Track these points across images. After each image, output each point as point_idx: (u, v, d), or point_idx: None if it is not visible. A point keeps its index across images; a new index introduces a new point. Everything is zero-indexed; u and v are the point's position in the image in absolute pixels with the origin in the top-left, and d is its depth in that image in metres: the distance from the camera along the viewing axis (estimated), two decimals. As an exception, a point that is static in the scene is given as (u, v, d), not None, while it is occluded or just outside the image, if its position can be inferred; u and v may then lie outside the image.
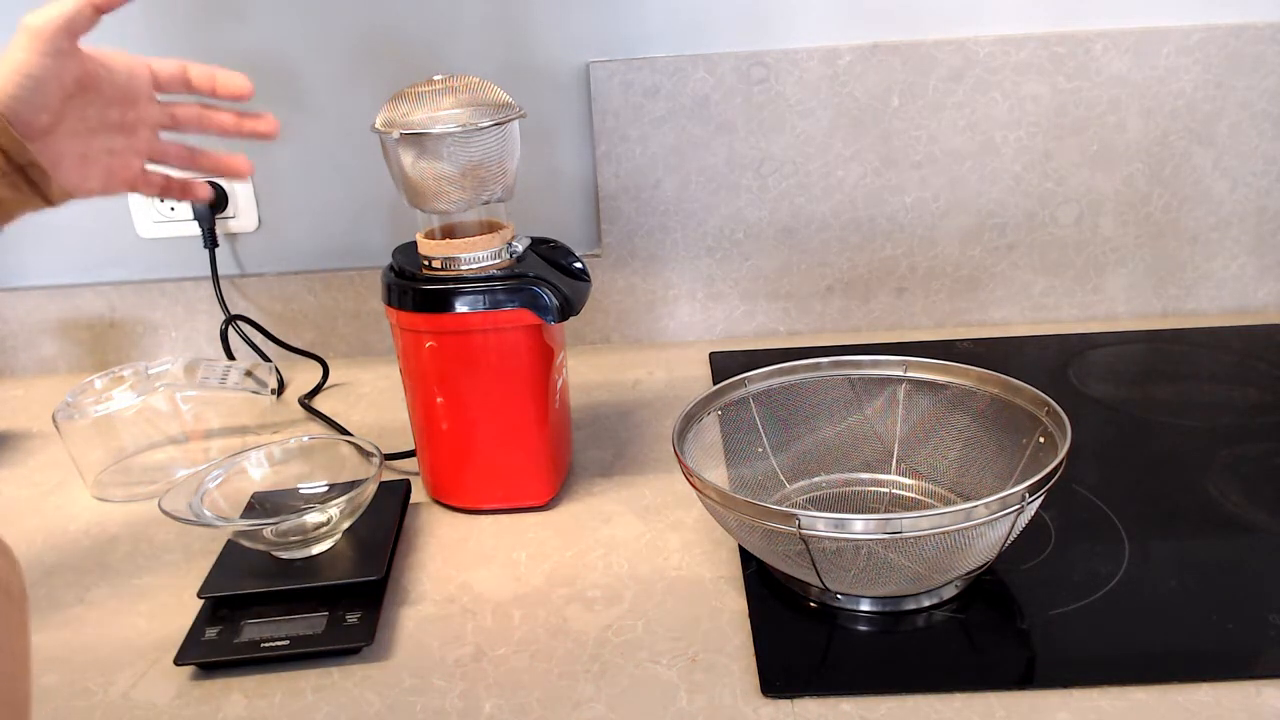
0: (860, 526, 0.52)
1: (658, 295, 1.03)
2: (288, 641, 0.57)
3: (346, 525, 0.65)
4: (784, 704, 0.52)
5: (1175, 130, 0.96)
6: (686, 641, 0.57)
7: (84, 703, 0.56)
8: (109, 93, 0.58)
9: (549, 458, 0.72)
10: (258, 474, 0.71)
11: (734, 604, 0.60)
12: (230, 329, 1.00)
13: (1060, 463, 0.55)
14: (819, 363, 0.70)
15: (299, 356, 1.02)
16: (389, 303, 0.69)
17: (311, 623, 0.58)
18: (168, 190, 0.66)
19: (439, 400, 0.69)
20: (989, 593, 0.59)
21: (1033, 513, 0.56)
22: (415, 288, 0.67)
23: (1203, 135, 0.96)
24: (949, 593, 0.59)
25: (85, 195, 0.59)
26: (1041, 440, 0.61)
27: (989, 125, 0.96)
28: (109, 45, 0.95)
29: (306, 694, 0.55)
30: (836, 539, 0.53)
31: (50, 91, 0.53)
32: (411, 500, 0.74)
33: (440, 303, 0.66)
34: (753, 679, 0.54)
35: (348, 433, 0.87)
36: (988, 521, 0.52)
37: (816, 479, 0.70)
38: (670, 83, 0.95)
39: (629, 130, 0.96)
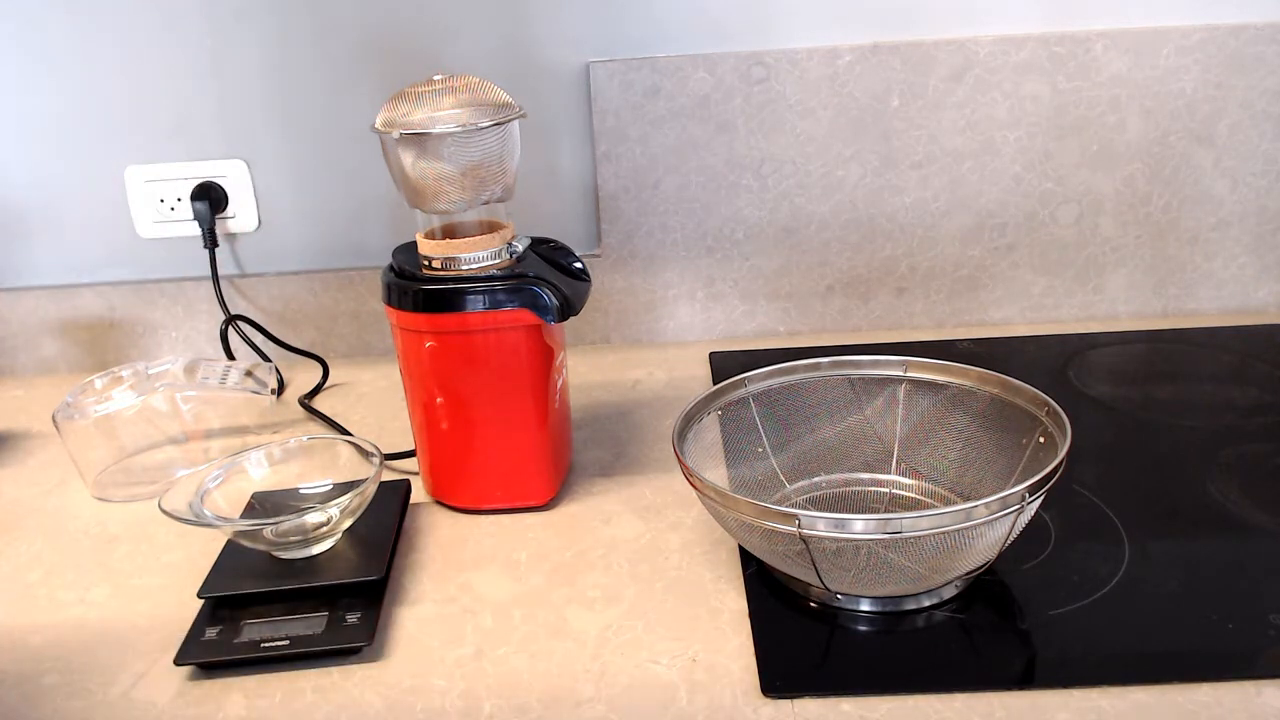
0: (860, 526, 0.52)
1: (657, 295, 1.03)
2: (288, 641, 0.57)
3: (346, 525, 0.65)
4: (784, 704, 0.52)
5: (1175, 130, 0.96)
6: (686, 641, 0.57)
7: (84, 702, 0.56)
8: None
9: (549, 458, 0.72)
10: (258, 474, 0.71)
11: (734, 604, 0.60)
12: (230, 329, 1.00)
13: (1060, 463, 0.55)
14: (819, 363, 0.70)
15: (299, 356, 1.02)
16: (389, 303, 0.69)
17: (311, 623, 0.58)
18: None
19: (439, 400, 0.69)
20: (989, 593, 0.59)
21: (1033, 513, 0.56)
22: (415, 288, 0.67)
23: (1203, 135, 0.96)
24: (949, 593, 0.59)
25: None
26: (1041, 440, 0.61)
27: (989, 125, 0.96)
28: (112, 44, 0.95)
29: (306, 694, 0.55)
30: (837, 539, 0.53)
31: None
32: (411, 500, 0.74)
33: (440, 303, 0.66)
34: (753, 679, 0.54)
35: (348, 433, 0.87)
36: (988, 521, 0.52)
37: (816, 479, 0.70)
38: (670, 83, 0.95)
39: (629, 130, 0.96)
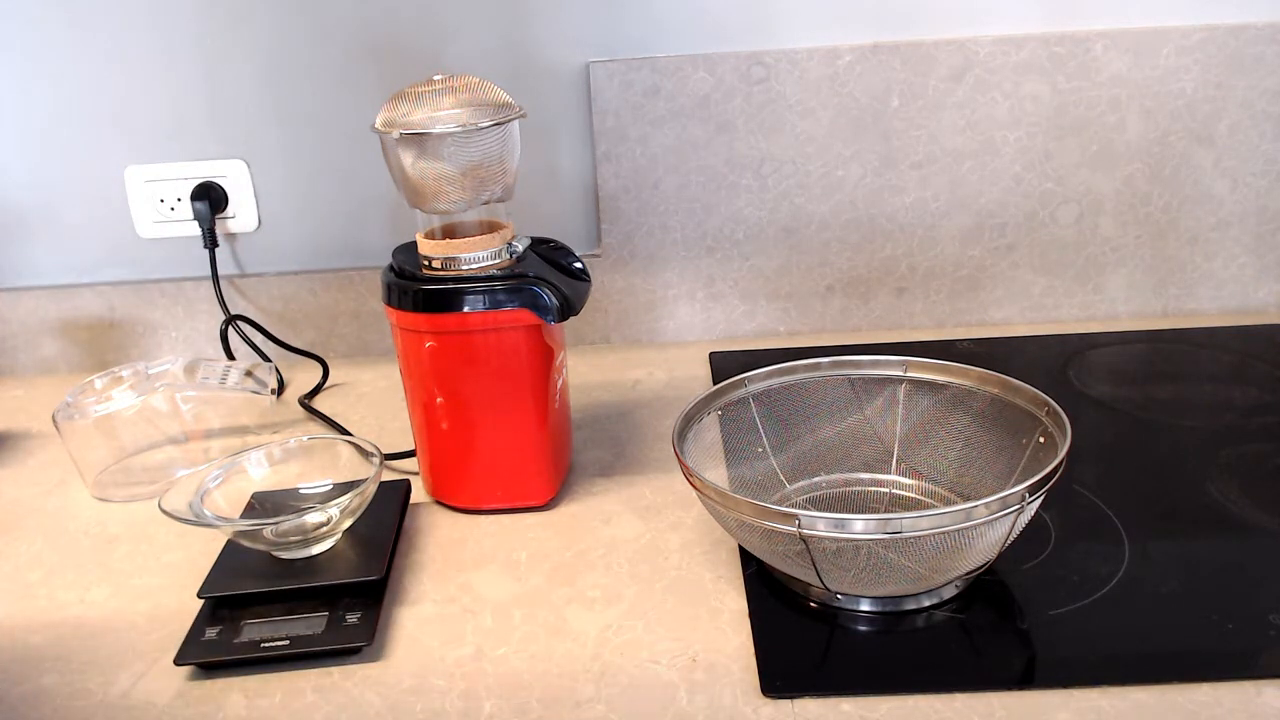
0: (860, 526, 0.52)
1: (657, 295, 1.03)
2: (288, 641, 0.57)
3: (346, 525, 0.65)
4: (784, 704, 0.52)
5: (1175, 130, 0.96)
6: (686, 641, 0.57)
7: (84, 703, 0.56)
8: None
9: (549, 458, 0.72)
10: (258, 474, 0.71)
11: (734, 604, 0.60)
12: (230, 329, 1.00)
13: (1060, 463, 0.55)
14: (819, 363, 0.70)
15: (299, 356, 1.02)
16: (389, 303, 0.69)
17: (311, 623, 0.58)
18: None
19: (439, 400, 0.69)
20: (989, 593, 0.59)
21: (1033, 513, 0.56)
22: (415, 288, 0.67)
23: (1203, 135, 0.96)
24: (949, 593, 0.59)
25: None
26: (1041, 440, 0.61)
27: (989, 125, 0.96)
28: (112, 45, 0.95)
29: (306, 694, 0.55)
30: (836, 539, 0.53)
31: None
32: (411, 500, 0.74)
33: (440, 303, 0.66)
34: (753, 679, 0.54)
35: (348, 433, 0.87)
36: (988, 521, 0.52)
37: (816, 479, 0.70)
38: (670, 83, 0.95)
39: (629, 130, 0.96)
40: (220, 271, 1.01)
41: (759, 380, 0.70)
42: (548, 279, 0.67)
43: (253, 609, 0.60)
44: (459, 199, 0.67)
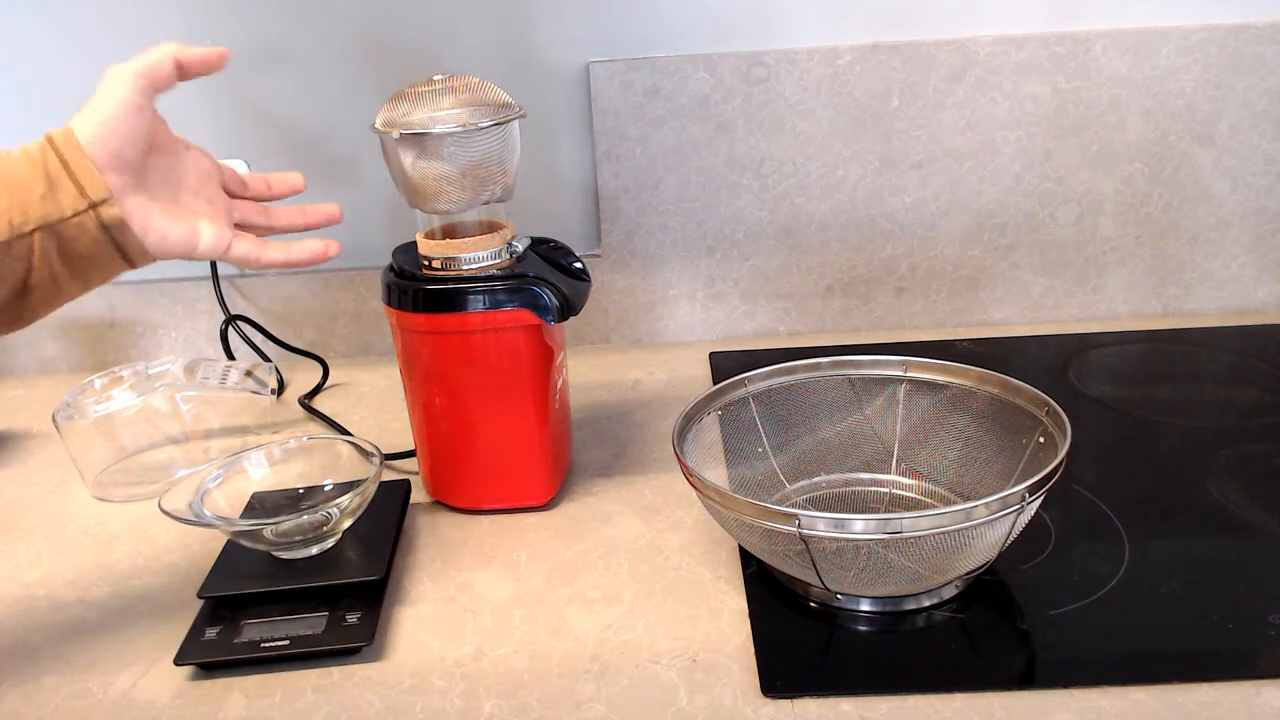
0: (860, 526, 0.52)
1: (657, 295, 1.03)
2: (288, 641, 0.57)
3: (346, 525, 0.65)
4: (784, 704, 0.52)
5: (1175, 130, 0.96)
6: (686, 641, 0.57)
7: (84, 703, 0.56)
8: (190, 167, 0.60)
9: (549, 458, 0.72)
10: (258, 474, 0.71)
11: (734, 604, 0.60)
12: (230, 329, 1.00)
13: (1060, 463, 0.55)
14: (819, 363, 0.70)
15: (299, 356, 1.02)
16: (389, 303, 0.69)
17: (311, 623, 0.58)
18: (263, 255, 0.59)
19: (439, 400, 0.69)
20: (989, 593, 0.59)
21: (1033, 513, 0.56)
22: (415, 288, 0.67)
23: (1203, 135, 0.96)
24: (949, 593, 0.59)
25: (173, 246, 0.55)
26: (1041, 440, 0.61)
27: (989, 125, 0.96)
28: (111, 44, 0.95)
29: (306, 694, 0.55)
30: (836, 539, 0.53)
31: (139, 128, 0.53)
32: (411, 500, 0.74)
33: (440, 303, 0.66)
34: (753, 679, 0.54)
35: (348, 433, 0.87)
36: (988, 521, 0.52)
37: (816, 479, 0.70)
38: (670, 83, 0.95)
39: (629, 130, 0.96)
40: (220, 271, 1.01)
41: (759, 380, 0.70)
42: (548, 279, 0.67)
43: (253, 609, 0.60)
44: (459, 199, 0.67)
